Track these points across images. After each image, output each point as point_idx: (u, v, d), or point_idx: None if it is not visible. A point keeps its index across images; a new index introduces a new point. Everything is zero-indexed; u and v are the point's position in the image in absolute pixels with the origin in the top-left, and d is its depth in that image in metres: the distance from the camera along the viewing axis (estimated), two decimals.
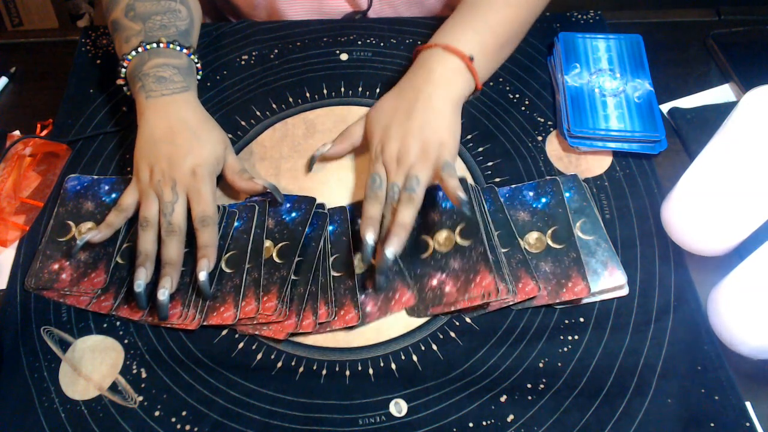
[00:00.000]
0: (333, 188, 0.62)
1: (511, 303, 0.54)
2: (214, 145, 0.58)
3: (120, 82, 0.62)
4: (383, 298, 0.54)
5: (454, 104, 0.58)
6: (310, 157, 0.62)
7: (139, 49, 0.60)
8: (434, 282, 0.54)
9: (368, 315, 0.54)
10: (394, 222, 0.52)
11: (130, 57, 0.60)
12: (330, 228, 0.58)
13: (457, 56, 0.59)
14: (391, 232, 0.51)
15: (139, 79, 0.59)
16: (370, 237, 0.52)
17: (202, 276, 0.52)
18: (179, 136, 0.56)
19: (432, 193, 0.59)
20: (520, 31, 0.66)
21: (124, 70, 0.61)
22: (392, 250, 0.50)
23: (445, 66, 0.59)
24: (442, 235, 0.56)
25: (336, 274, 0.55)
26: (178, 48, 0.61)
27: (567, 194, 0.59)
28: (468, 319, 0.54)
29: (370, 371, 0.52)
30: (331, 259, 0.56)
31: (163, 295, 0.51)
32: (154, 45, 0.60)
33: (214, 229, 0.54)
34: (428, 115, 0.57)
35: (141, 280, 0.52)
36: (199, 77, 0.65)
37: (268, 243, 0.56)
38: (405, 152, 0.56)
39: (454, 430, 0.49)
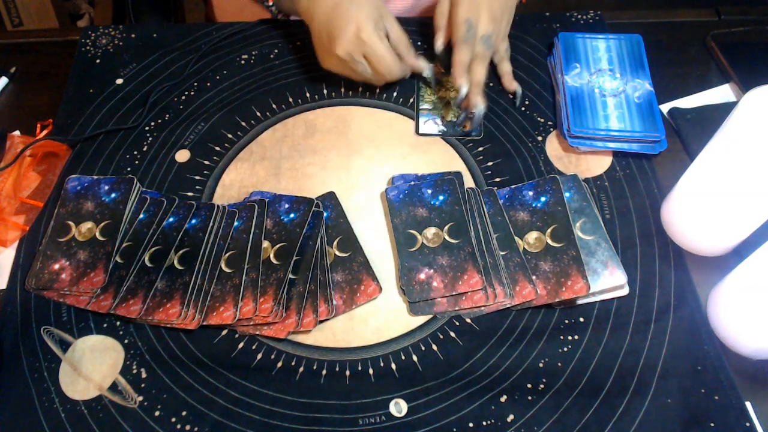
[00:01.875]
0: (332, 189, 0.62)
1: (508, 305, 0.54)
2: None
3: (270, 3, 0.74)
4: (349, 291, 0.55)
5: None
6: (439, 59, 0.68)
7: None
8: (422, 276, 0.55)
9: (336, 308, 0.54)
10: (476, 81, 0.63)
11: None
12: (325, 215, 0.58)
13: None
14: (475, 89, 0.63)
15: None
16: (466, 87, 0.62)
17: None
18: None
19: (420, 191, 0.59)
20: None
21: None
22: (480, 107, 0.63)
23: None
24: (431, 231, 0.57)
25: (343, 255, 0.56)
26: None
27: (567, 194, 0.59)
28: (468, 320, 0.54)
29: (370, 371, 0.52)
30: (335, 242, 0.57)
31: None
32: None
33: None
34: None
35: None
36: None
37: (265, 244, 0.56)
38: (494, 14, 0.63)
39: (454, 430, 0.49)
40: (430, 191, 0.59)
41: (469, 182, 0.62)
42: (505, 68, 0.69)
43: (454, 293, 0.54)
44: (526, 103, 0.68)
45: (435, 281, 0.54)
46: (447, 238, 0.56)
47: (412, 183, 0.60)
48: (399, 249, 0.57)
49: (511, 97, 0.68)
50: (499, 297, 0.53)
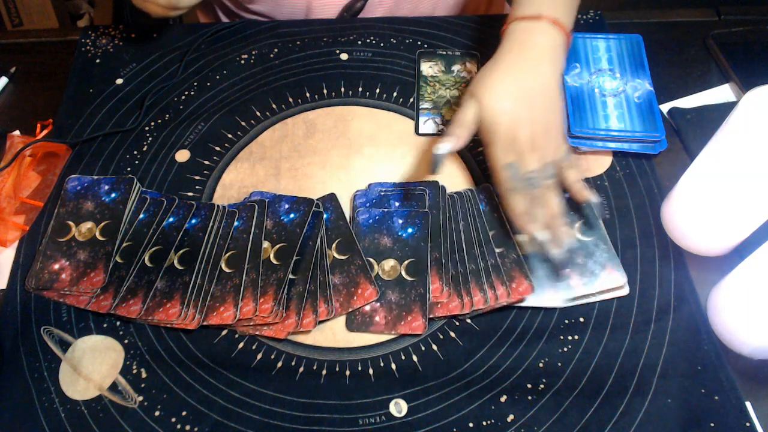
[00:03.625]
0: (332, 189, 0.62)
1: (504, 303, 0.54)
2: None
3: None
4: (345, 294, 0.55)
5: (560, 83, 0.58)
6: (432, 159, 0.54)
7: None
8: (367, 308, 0.54)
9: (334, 310, 0.54)
10: (552, 215, 0.54)
11: None
12: (325, 216, 0.58)
13: (562, 32, 0.56)
14: (554, 226, 0.53)
15: None
16: (542, 234, 0.53)
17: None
18: None
19: (390, 219, 0.58)
20: None
21: None
22: (568, 241, 0.53)
23: (554, 42, 0.56)
24: (389, 263, 0.56)
25: (341, 257, 0.56)
26: None
27: (567, 194, 0.59)
28: (468, 320, 0.54)
29: (370, 371, 0.52)
30: (334, 244, 0.57)
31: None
32: None
33: None
34: (549, 98, 0.55)
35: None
36: None
37: (265, 244, 0.56)
38: (537, 140, 0.53)
39: (454, 430, 0.49)
40: (401, 221, 0.58)
41: (468, 182, 0.62)
42: (571, 177, 0.54)
43: (393, 332, 0.53)
44: (606, 215, 0.60)
45: (378, 316, 0.54)
46: (403, 273, 0.55)
47: (384, 210, 0.59)
48: None
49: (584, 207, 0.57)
50: (501, 297, 0.53)
